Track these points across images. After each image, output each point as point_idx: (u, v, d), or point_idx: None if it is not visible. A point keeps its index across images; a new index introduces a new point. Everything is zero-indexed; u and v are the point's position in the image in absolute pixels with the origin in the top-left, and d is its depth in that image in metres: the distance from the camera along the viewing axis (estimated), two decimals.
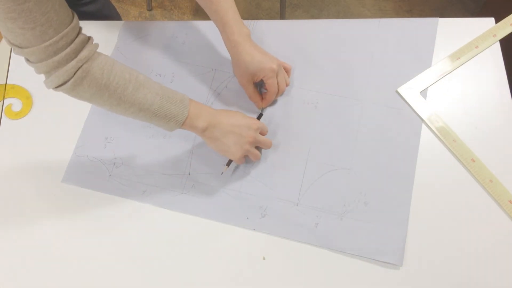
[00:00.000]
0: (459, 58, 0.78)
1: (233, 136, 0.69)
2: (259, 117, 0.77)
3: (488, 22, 0.80)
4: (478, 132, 0.73)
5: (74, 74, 0.57)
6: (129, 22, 0.90)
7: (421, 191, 0.70)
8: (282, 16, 1.66)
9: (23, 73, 0.86)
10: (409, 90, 0.77)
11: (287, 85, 0.78)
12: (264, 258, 0.70)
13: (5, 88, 0.86)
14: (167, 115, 0.64)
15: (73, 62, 0.56)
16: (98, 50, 0.60)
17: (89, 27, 0.89)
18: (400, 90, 0.77)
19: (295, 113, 0.78)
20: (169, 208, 0.74)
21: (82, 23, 0.89)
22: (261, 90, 0.80)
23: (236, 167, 0.75)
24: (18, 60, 0.87)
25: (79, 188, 0.77)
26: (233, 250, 0.70)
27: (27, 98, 0.85)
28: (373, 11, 1.79)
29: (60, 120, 0.82)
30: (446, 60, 0.78)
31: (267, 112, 0.78)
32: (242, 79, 0.75)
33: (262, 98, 0.78)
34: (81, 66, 0.57)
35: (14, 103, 0.85)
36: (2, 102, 0.85)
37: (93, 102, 0.61)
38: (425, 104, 0.76)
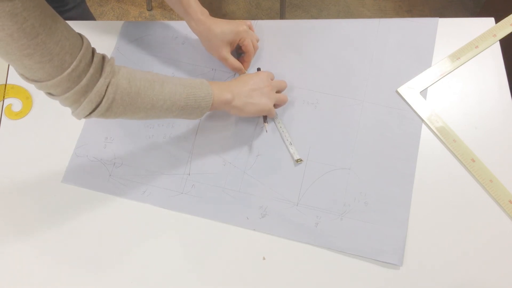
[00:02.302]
0: (459, 58, 0.78)
1: (256, 93, 0.72)
2: None
3: (488, 22, 0.80)
4: (478, 132, 0.73)
5: (105, 92, 0.56)
6: (129, 22, 0.90)
7: (421, 191, 0.70)
8: (282, 16, 1.66)
9: None
10: (409, 90, 0.77)
11: (257, 41, 0.82)
12: (264, 258, 0.70)
13: (5, 88, 0.86)
14: (196, 100, 0.65)
15: (101, 80, 0.55)
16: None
17: (89, 27, 0.89)
18: (400, 90, 0.77)
19: (295, 113, 0.78)
20: (169, 208, 0.74)
21: (82, 23, 0.89)
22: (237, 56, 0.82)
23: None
24: None
25: (79, 188, 0.77)
26: (233, 250, 0.70)
27: (27, 98, 0.85)
28: (373, 11, 1.79)
29: (60, 120, 0.82)
30: (446, 60, 0.78)
31: None
32: (220, 51, 0.77)
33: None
34: (109, 82, 0.56)
35: (14, 103, 0.85)
36: (2, 102, 0.85)
37: (128, 114, 0.61)
38: (425, 104, 0.76)
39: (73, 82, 0.53)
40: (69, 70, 0.52)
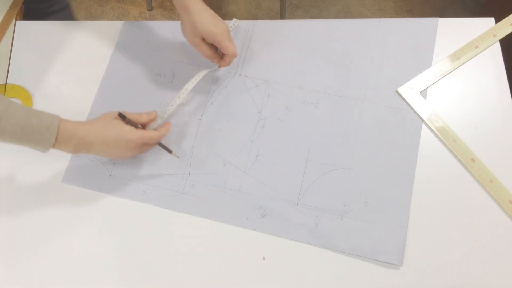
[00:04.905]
0: (459, 58, 0.78)
1: (111, 151, 0.71)
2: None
3: (488, 22, 0.80)
4: (478, 132, 0.73)
5: None
6: (129, 22, 0.90)
7: (421, 191, 0.70)
8: (282, 16, 1.66)
9: (23, 73, 0.86)
10: (409, 90, 0.77)
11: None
12: (264, 258, 0.70)
13: (5, 88, 0.86)
14: (30, 141, 0.64)
15: None
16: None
17: (90, 27, 0.89)
18: (400, 90, 0.77)
19: (295, 113, 0.78)
20: (169, 208, 0.74)
21: (82, 23, 0.89)
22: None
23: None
24: (18, 60, 0.87)
25: (79, 188, 0.77)
26: (233, 250, 0.70)
27: (27, 98, 0.85)
28: (373, 11, 1.79)
29: None
30: (446, 60, 0.78)
31: (267, 112, 0.78)
32: (194, 38, 0.73)
33: (220, 58, 0.77)
34: None
35: None
36: None
37: None
38: (425, 104, 0.76)
39: None
40: None
